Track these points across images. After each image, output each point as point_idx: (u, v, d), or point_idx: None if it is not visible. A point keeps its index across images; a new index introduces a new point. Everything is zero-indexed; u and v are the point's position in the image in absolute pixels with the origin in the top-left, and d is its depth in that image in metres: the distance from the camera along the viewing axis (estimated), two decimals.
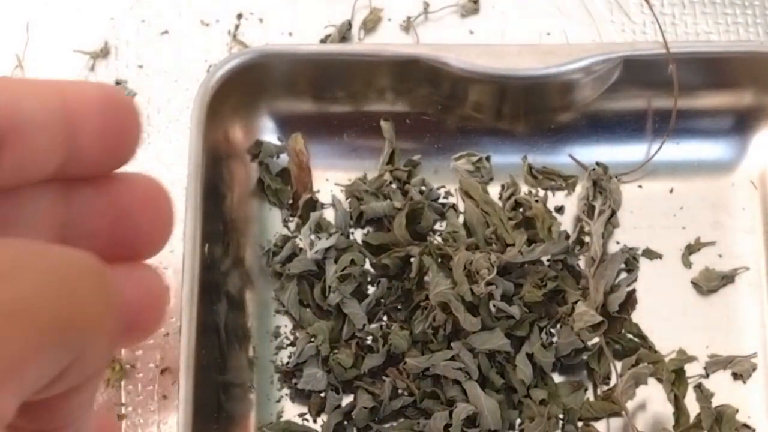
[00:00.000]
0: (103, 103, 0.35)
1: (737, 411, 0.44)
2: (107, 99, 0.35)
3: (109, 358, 0.28)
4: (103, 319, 0.26)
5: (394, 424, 0.46)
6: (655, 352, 0.47)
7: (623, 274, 0.48)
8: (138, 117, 0.37)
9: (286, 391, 0.47)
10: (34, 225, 0.35)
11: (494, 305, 0.45)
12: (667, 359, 0.46)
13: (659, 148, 0.49)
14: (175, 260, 0.44)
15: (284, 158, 0.50)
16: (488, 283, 0.44)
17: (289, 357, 0.47)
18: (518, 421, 0.46)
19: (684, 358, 0.46)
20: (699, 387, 0.46)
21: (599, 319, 0.45)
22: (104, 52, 0.53)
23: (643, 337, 0.47)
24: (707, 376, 0.47)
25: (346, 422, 0.46)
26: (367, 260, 0.48)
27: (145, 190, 0.41)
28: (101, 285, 0.26)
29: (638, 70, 0.47)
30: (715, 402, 0.46)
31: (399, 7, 0.55)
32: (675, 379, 0.45)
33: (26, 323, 0.24)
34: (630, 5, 0.55)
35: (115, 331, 0.27)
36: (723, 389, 0.46)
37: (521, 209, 0.49)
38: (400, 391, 0.46)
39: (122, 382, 0.47)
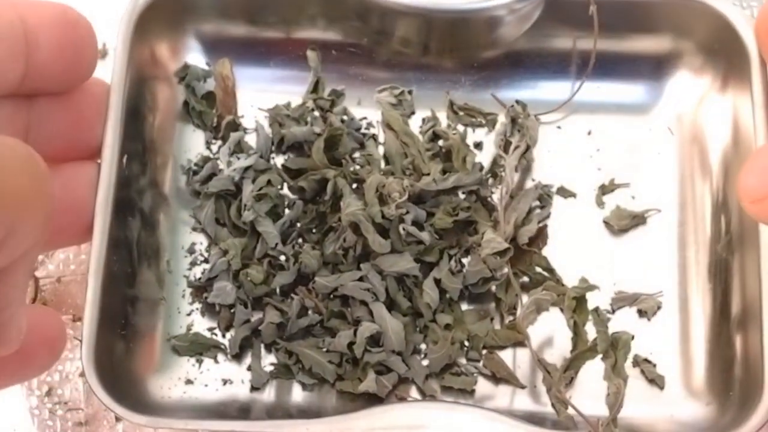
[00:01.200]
0: (60, 20, 0.36)
1: (633, 337, 0.45)
2: (63, 16, 0.36)
3: (41, 244, 0.28)
4: (33, 199, 0.27)
5: (301, 341, 0.46)
6: (562, 285, 0.47)
7: (537, 211, 0.49)
8: (94, 35, 0.38)
9: (197, 305, 0.47)
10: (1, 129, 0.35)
11: (404, 229, 0.45)
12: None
13: (577, 90, 0.50)
14: None
15: (211, 82, 0.50)
16: (399, 206, 0.45)
17: (203, 273, 0.47)
18: (423, 345, 0.47)
19: (585, 286, 0.46)
20: (596, 311, 0.47)
21: (505, 245, 0.45)
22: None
23: (551, 271, 0.48)
24: (613, 312, 0.47)
25: (254, 338, 0.47)
26: (285, 185, 0.49)
27: (101, 94, 0.42)
28: (32, 169, 0.27)
29: (561, 10, 0.48)
30: None
31: None
32: (576, 306, 0.46)
33: None
34: None
35: (46, 214, 0.28)
36: (628, 326, 0.47)
37: (439, 141, 0.50)
38: (309, 311, 0.47)
39: None
